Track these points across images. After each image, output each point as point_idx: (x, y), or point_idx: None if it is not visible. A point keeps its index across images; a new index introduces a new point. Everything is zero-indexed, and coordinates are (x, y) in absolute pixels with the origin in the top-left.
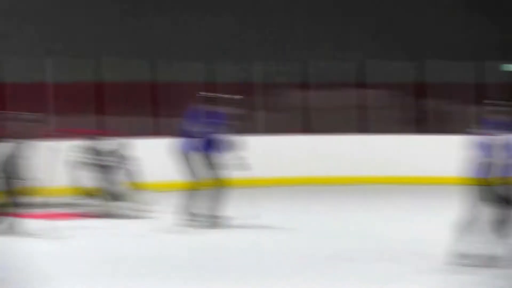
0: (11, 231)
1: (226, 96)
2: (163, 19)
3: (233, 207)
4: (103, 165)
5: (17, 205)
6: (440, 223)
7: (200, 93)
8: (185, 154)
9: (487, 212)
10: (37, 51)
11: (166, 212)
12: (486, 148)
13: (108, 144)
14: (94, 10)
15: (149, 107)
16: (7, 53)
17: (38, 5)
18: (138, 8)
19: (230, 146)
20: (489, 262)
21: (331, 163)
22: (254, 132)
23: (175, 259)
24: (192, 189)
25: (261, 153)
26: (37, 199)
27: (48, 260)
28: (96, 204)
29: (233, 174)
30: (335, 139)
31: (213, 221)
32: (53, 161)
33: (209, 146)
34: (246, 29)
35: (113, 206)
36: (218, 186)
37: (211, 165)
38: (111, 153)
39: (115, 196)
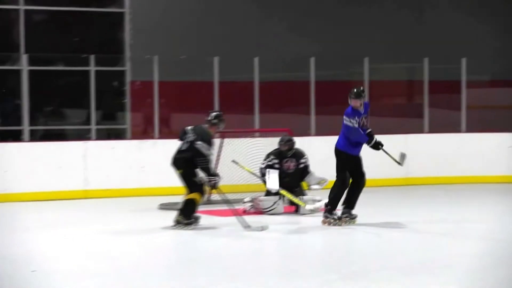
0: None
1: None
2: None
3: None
4: (275, 162)
5: (208, 201)
6: None
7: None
8: (351, 153)
9: None
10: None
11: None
12: None
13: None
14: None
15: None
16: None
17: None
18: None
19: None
20: None
21: None
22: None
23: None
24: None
25: None
26: (220, 196)
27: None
28: (272, 199)
29: None
30: None
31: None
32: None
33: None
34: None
35: (290, 201)
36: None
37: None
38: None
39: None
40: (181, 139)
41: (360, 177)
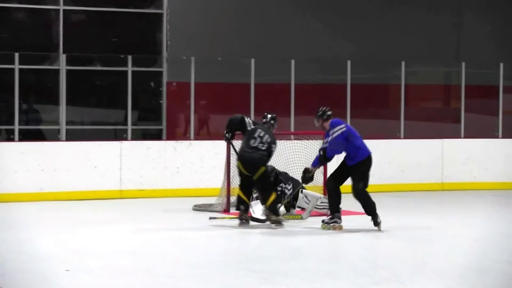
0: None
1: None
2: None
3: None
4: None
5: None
6: None
7: None
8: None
9: None
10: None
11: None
12: None
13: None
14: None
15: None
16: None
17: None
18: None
19: None
20: None
21: None
22: None
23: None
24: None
25: None
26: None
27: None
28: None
29: None
30: None
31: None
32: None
33: None
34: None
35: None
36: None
37: None
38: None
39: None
40: (241, 127)
41: (352, 188)
